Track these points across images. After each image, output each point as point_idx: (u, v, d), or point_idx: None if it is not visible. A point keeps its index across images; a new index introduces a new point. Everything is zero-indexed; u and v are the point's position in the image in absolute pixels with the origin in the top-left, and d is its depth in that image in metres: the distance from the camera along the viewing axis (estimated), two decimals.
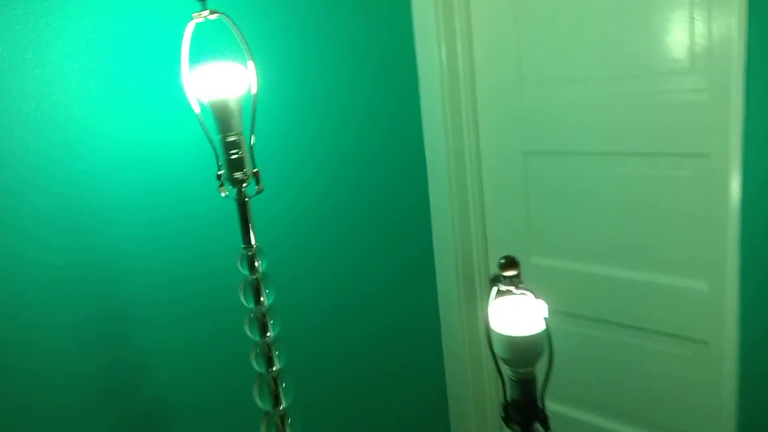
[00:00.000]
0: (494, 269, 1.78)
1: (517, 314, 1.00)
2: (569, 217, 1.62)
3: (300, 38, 1.43)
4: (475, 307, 1.80)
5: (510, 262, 1.00)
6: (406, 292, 1.74)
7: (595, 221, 1.57)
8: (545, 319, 0.99)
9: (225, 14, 1.02)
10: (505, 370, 1.04)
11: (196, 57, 1.04)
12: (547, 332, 0.99)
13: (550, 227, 1.66)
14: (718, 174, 1.33)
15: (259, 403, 1.14)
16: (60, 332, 1.16)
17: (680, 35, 1.34)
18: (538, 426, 1.05)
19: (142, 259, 1.24)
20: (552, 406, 1.75)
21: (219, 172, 1.07)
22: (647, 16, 1.38)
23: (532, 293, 1.00)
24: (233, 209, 1.09)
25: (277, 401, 1.15)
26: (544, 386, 1.03)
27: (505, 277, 1.00)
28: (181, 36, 1.01)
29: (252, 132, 1.06)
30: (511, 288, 1.00)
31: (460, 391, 1.86)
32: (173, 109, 1.22)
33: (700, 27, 1.30)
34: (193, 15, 1.01)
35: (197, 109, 1.03)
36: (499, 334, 1.01)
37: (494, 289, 1.02)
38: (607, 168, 1.53)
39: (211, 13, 1.01)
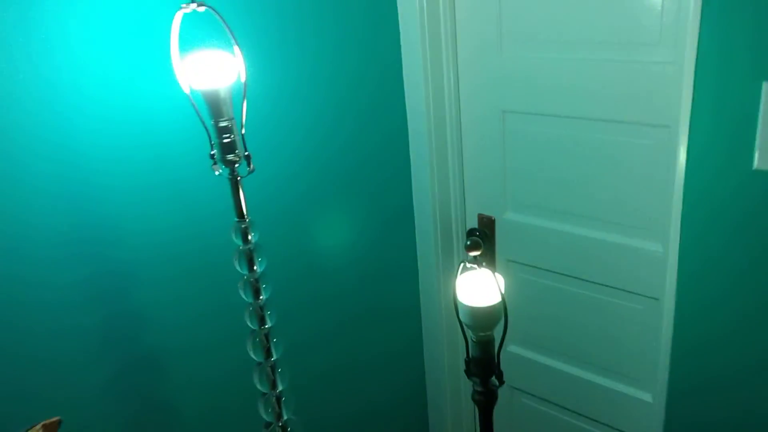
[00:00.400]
0: (471, 223, 1.92)
1: (478, 288, 1.13)
2: (541, 176, 1.71)
3: (280, 11, 1.49)
4: (452, 258, 1.93)
5: (474, 244, 1.12)
6: (387, 244, 1.87)
7: (564, 182, 1.67)
8: (501, 293, 1.12)
9: (212, 7, 1.09)
10: (468, 332, 1.18)
11: (189, 46, 1.12)
12: (503, 303, 1.13)
13: (523, 185, 1.76)
14: (675, 145, 1.40)
15: (253, 356, 1.29)
16: (64, 290, 1.27)
17: (652, 7, 1.39)
18: (494, 379, 1.21)
19: (139, 221, 1.35)
20: (516, 349, 1.93)
21: (212, 152, 1.17)
22: None
23: (492, 270, 1.12)
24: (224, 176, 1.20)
25: (268, 354, 1.30)
26: (500, 347, 1.17)
27: (471, 257, 1.13)
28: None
29: (242, 117, 1.15)
30: (475, 265, 1.13)
31: (434, 335, 2.02)
32: (166, 86, 1.30)
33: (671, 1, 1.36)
34: (182, 5, 1.08)
35: (190, 97, 1.12)
36: (464, 305, 1.14)
37: (461, 266, 1.15)
38: (576, 131, 1.61)
39: (199, 5, 1.08)
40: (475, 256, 1.13)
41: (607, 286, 1.68)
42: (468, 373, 1.23)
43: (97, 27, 1.21)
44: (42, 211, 1.22)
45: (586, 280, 1.71)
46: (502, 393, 1.95)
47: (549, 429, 1.97)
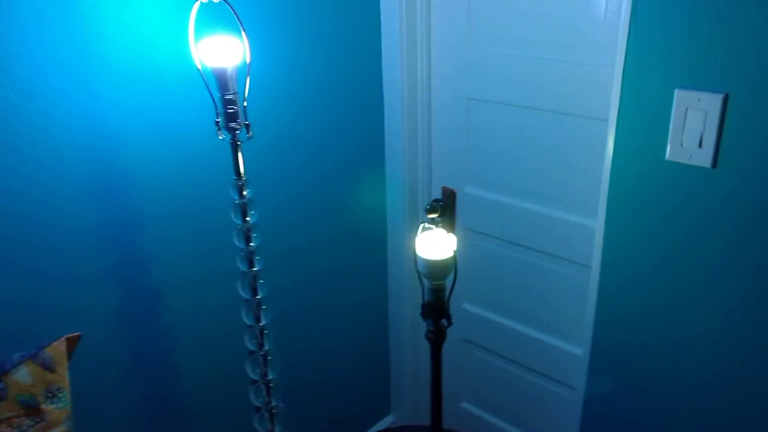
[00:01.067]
0: (436, 194, 2.16)
1: (434, 245, 1.37)
2: (497, 156, 1.94)
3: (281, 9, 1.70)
4: (417, 222, 2.17)
5: (432, 208, 1.36)
6: (361, 208, 2.11)
7: (517, 163, 1.90)
8: (453, 249, 1.36)
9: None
10: (425, 281, 1.43)
11: (203, 30, 1.33)
12: (454, 258, 1.37)
13: (482, 163, 1.99)
14: (604, 136, 1.64)
15: (242, 294, 1.52)
16: (80, 233, 1.48)
17: (596, 16, 1.61)
18: (444, 321, 1.46)
19: (149, 175, 1.56)
20: (469, 307, 2.18)
21: (217, 120, 1.39)
22: None
23: (446, 231, 1.37)
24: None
25: (255, 292, 1.53)
26: (449, 295, 1.42)
27: (429, 218, 1.37)
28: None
29: (245, 92, 1.37)
30: (432, 226, 1.37)
31: (398, 287, 2.27)
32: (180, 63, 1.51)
33: (612, 7, 1.58)
34: None
35: (201, 73, 1.34)
36: (422, 258, 1.39)
37: (421, 226, 1.39)
38: (530, 120, 1.83)
39: None
40: (432, 218, 1.37)
41: (548, 253, 1.92)
42: (423, 315, 1.47)
43: (128, 12, 1.42)
44: (58, 158, 1.40)
45: (531, 248, 1.95)
46: (456, 345, 2.23)
47: (496, 377, 2.22)
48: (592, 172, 1.74)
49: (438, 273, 1.39)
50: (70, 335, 1.35)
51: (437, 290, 1.42)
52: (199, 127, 1.57)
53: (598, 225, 1.64)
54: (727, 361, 1.45)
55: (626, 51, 1.41)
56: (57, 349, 1.32)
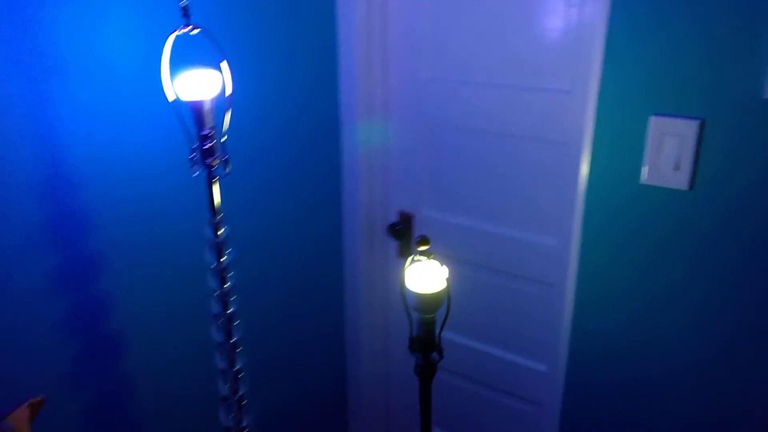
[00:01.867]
0: (392, 218, 2.13)
1: (425, 277, 1.34)
2: (457, 181, 1.94)
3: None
4: (374, 247, 2.14)
5: (424, 240, 1.32)
6: (316, 237, 2.06)
7: (477, 186, 1.90)
8: (446, 280, 1.34)
9: (205, 29, 1.22)
10: (414, 315, 1.39)
11: (179, 62, 1.24)
12: (447, 290, 1.34)
13: (441, 187, 1.99)
14: (572, 159, 1.65)
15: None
16: (35, 279, 1.36)
17: (554, 43, 1.64)
18: (435, 354, 1.42)
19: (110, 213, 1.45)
20: None
21: (191, 156, 1.30)
22: (530, 23, 1.66)
23: (440, 262, 1.34)
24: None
25: (229, 335, 1.45)
26: (441, 328, 1.39)
27: (420, 251, 1.33)
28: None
29: (224, 126, 1.29)
30: (423, 258, 1.34)
31: (355, 319, 2.23)
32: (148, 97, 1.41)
33: (569, 39, 1.60)
34: (179, 29, 1.20)
35: (175, 108, 1.25)
36: (411, 291, 1.35)
37: (410, 258, 1.35)
38: (489, 144, 1.84)
39: (193, 28, 1.21)
40: (423, 251, 1.34)
41: (507, 272, 1.93)
42: (412, 349, 1.44)
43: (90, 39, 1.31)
44: (14, 198, 1.29)
45: (490, 268, 1.96)
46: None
47: (459, 398, 2.21)
48: (551, 193, 1.77)
49: (429, 307, 1.36)
50: (34, 400, 1.24)
51: (428, 323, 1.38)
52: (165, 162, 1.47)
53: (570, 244, 1.66)
54: (701, 368, 1.50)
55: (601, 77, 1.44)
56: (19, 417, 1.21)
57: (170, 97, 1.23)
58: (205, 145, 1.28)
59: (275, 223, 1.89)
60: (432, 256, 1.34)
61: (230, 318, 1.43)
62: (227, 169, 1.32)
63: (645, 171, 1.43)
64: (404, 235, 2.09)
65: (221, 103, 1.29)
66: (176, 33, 1.20)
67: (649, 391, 1.59)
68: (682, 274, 1.46)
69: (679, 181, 1.40)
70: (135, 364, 1.59)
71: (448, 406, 2.25)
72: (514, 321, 1.98)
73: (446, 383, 2.23)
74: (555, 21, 1.63)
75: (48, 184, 1.32)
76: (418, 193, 2.04)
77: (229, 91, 1.27)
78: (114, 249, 1.48)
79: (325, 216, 2.07)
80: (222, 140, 1.30)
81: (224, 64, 1.24)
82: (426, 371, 1.43)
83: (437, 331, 1.40)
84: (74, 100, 1.32)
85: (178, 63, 1.23)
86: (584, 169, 1.55)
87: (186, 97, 1.24)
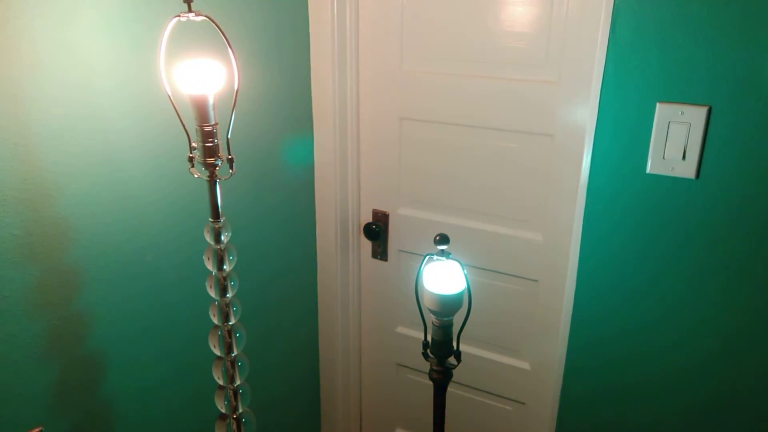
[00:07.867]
0: (365, 218, 2.04)
1: (445, 277, 1.27)
2: (434, 177, 1.88)
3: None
4: (347, 247, 2.05)
5: (443, 239, 1.26)
6: (290, 236, 1.95)
7: (457, 182, 1.84)
8: (467, 281, 1.27)
9: (209, 16, 1.10)
10: (432, 318, 1.32)
11: (180, 52, 1.12)
12: (468, 291, 1.28)
13: (417, 184, 1.92)
14: (559, 152, 1.63)
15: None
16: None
17: (541, 34, 1.59)
18: (451, 359, 1.36)
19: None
20: (402, 330, 2.10)
21: (190, 155, 1.18)
22: (513, 13, 1.62)
23: (460, 262, 1.27)
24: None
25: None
26: (461, 330, 1.33)
27: (439, 250, 1.26)
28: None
29: (230, 123, 1.18)
30: (442, 258, 1.27)
31: (330, 322, 2.13)
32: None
33: (558, 32, 1.56)
34: (181, 14, 1.08)
35: (173, 101, 1.12)
36: (430, 292, 1.28)
37: (426, 258, 1.28)
38: (469, 138, 1.78)
39: (196, 14, 1.09)
40: (442, 250, 1.28)
41: (489, 269, 1.89)
42: (426, 355, 1.37)
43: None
44: None
45: (472, 265, 1.90)
46: (389, 369, 2.14)
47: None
48: (538, 186, 1.73)
49: (449, 309, 1.29)
50: None
51: (446, 326, 1.32)
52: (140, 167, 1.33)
53: (573, 241, 1.63)
54: (708, 369, 1.51)
55: (605, 65, 1.42)
56: None
57: (166, 91, 1.11)
58: (208, 142, 1.16)
59: (247, 225, 1.76)
60: (452, 255, 1.28)
61: (230, 331, 1.31)
62: (232, 170, 1.21)
63: (650, 160, 1.42)
64: (380, 235, 2.02)
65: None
66: (177, 18, 1.07)
67: (650, 391, 1.59)
68: (690, 264, 1.45)
69: (686, 169, 1.39)
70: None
71: (415, 407, 2.20)
72: (495, 318, 1.94)
73: (414, 383, 2.18)
74: (542, 9, 1.59)
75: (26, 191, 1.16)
76: (393, 191, 1.97)
77: (237, 84, 1.15)
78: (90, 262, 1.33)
79: (298, 217, 1.96)
80: (228, 137, 1.18)
81: (233, 55, 1.12)
82: (442, 377, 1.37)
83: (457, 334, 1.34)
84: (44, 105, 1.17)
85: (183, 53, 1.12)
86: (586, 161, 1.52)
87: (188, 90, 1.12)
